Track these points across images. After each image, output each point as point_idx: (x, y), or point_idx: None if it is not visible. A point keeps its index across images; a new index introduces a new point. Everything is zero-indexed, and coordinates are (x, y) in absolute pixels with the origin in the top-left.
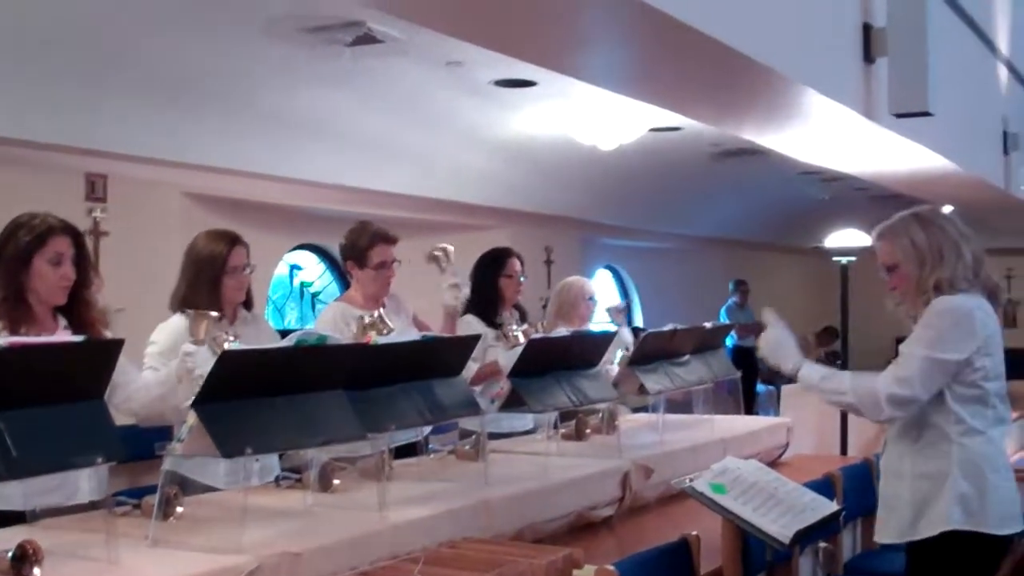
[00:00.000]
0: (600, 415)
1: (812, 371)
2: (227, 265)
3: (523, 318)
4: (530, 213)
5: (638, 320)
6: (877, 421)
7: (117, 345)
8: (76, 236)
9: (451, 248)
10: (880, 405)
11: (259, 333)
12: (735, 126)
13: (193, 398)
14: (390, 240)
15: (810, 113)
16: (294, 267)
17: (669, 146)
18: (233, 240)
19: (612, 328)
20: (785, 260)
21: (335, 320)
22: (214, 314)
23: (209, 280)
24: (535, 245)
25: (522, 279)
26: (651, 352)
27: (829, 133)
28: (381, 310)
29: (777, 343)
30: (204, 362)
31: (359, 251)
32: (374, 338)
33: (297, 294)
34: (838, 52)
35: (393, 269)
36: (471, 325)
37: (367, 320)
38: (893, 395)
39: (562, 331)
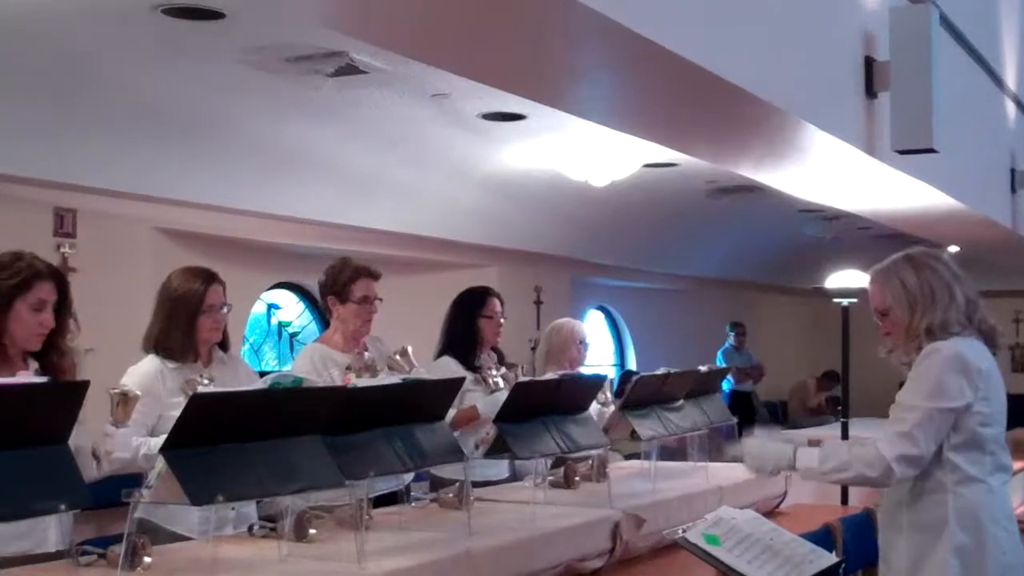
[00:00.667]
0: (590, 462)
1: (807, 460)
2: (203, 304)
3: (501, 361)
4: (519, 251)
5: (631, 363)
6: (886, 486)
7: (83, 387)
8: (61, 282)
9: (410, 348)
10: (890, 470)
11: (236, 375)
12: (732, 162)
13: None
14: (373, 275)
15: (810, 149)
16: (272, 306)
17: (664, 183)
18: (209, 277)
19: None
20: (784, 301)
21: (312, 362)
22: (137, 393)
23: (184, 319)
24: (524, 284)
25: (502, 320)
26: (644, 396)
27: (829, 170)
28: (409, 348)
29: (760, 450)
30: (123, 447)
31: (340, 285)
32: (353, 380)
33: (275, 334)
34: (839, 86)
35: (375, 306)
36: (448, 368)
37: (391, 354)
38: (901, 456)
39: (551, 375)
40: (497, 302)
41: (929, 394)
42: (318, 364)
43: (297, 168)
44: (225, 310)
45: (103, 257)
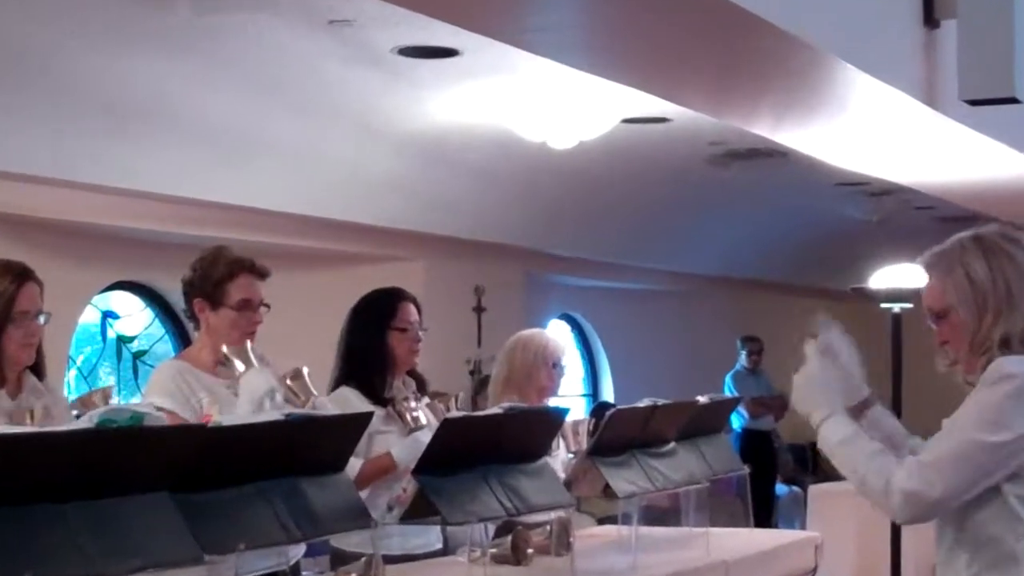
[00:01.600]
0: (548, 528)
1: (837, 427)
2: (12, 310)
3: (423, 389)
4: (452, 239)
5: (605, 392)
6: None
7: None
8: None
9: (306, 370)
10: (890, 500)
11: (54, 413)
12: (744, 117)
13: None
14: (258, 272)
15: (849, 98)
16: (108, 314)
17: (651, 145)
18: (20, 275)
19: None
20: (815, 308)
21: (177, 384)
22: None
23: None
24: (459, 284)
25: (421, 333)
26: (622, 437)
27: (876, 127)
28: (305, 370)
29: (814, 380)
30: None
31: (212, 284)
32: (215, 418)
33: (112, 352)
34: (889, 14)
35: (260, 314)
36: (348, 402)
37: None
38: (910, 494)
39: (496, 409)
40: (412, 309)
41: (979, 422)
42: (183, 387)
43: (143, 123)
44: (41, 319)
45: None
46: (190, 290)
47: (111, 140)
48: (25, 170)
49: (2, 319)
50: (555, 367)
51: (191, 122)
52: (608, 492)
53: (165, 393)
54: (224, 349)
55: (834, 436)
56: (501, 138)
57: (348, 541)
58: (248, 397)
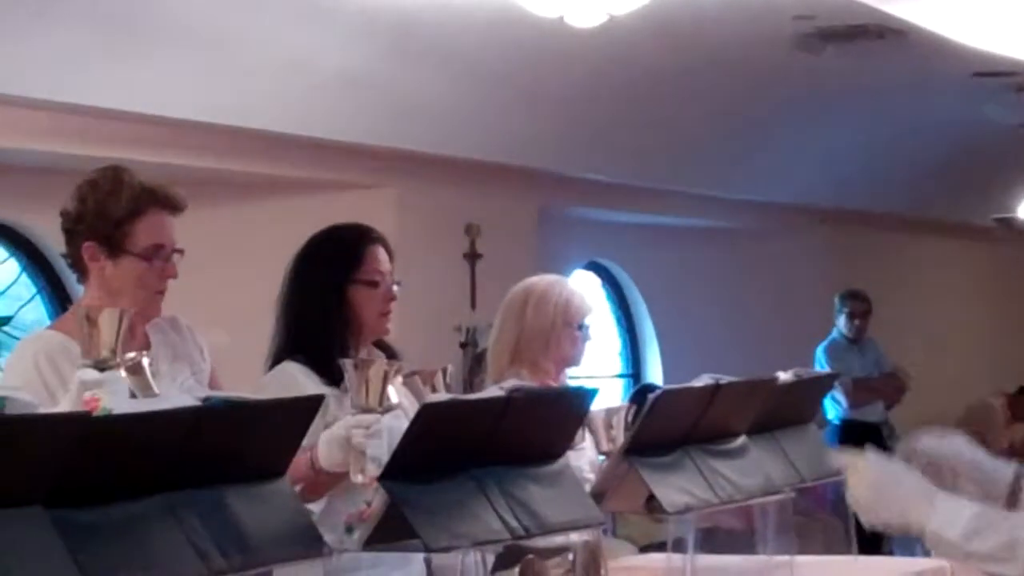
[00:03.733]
0: (570, 558)
1: (946, 521)
2: None
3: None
4: (435, 158)
5: (649, 368)
6: None
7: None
8: None
9: (145, 361)
10: None
11: None
12: None
13: None
14: (171, 204)
15: None
16: None
17: (710, 21)
18: None
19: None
20: (944, 250)
21: (39, 368)
22: None
23: None
24: (445, 222)
25: (395, 287)
26: (670, 431)
27: None
28: (146, 361)
29: (881, 481)
30: None
31: (113, 222)
32: (103, 404)
33: None
34: None
35: (174, 264)
36: (293, 381)
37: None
38: None
39: (496, 388)
40: (383, 254)
41: None
42: (49, 371)
43: None
44: None
45: None
46: (76, 229)
47: None
48: None
49: None
50: (580, 329)
51: None
52: (653, 507)
53: (22, 379)
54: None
55: (952, 532)
56: (501, 15)
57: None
58: None
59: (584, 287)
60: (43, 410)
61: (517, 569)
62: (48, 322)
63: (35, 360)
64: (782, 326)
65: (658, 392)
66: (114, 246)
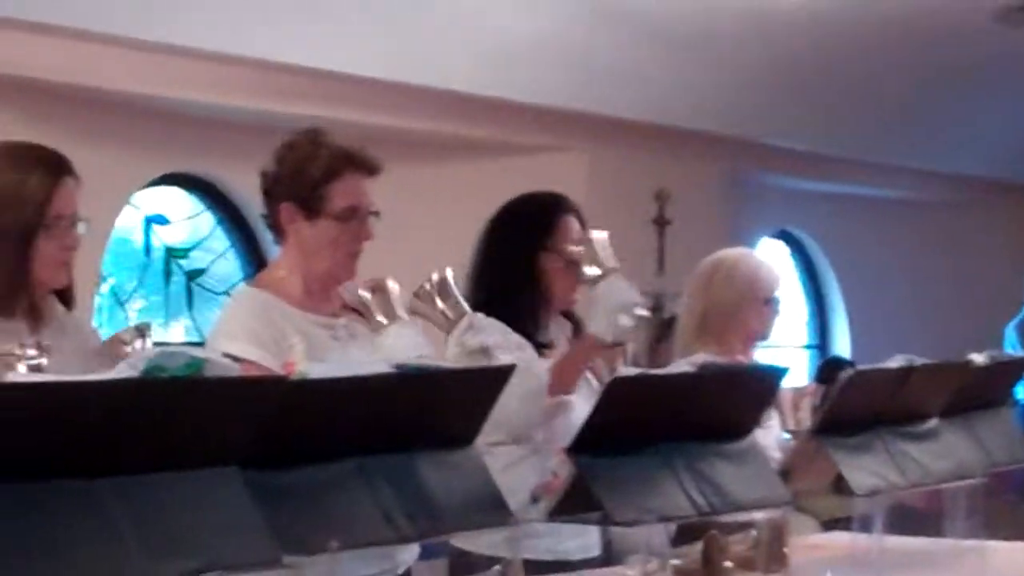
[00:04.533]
0: (753, 535)
1: None
2: (46, 214)
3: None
4: (627, 123)
5: (838, 343)
6: None
7: None
8: None
9: (450, 273)
10: None
11: (80, 352)
12: None
13: None
14: (367, 167)
15: None
16: (154, 220)
17: None
18: (56, 167)
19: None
20: None
21: (260, 327)
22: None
23: (9, 244)
24: (635, 187)
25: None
26: (861, 411)
27: None
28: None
29: None
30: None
31: (310, 184)
32: (299, 367)
33: (160, 269)
34: None
35: (370, 225)
36: (491, 328)
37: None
38: None
39: (685, 364)
40: (576, 224)
41: None
42: (271, 328)
43: None
44: (81, 228)
45: None
46: (275, 190)
47: None
48: (35, 16)
49: (32, 226)
50: (767, 303)
51: None
52: (841, 486)
53: (249, 334)
54: (360, 292)
55: None
56: None
57: (476, 542)
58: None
59: (773, 257)
60: (269, 362)
61: (700, 544)
62: (241, 275)
63: (256, 313)
64: (970, 301)
65: (850, 372)
66: (310, 208)
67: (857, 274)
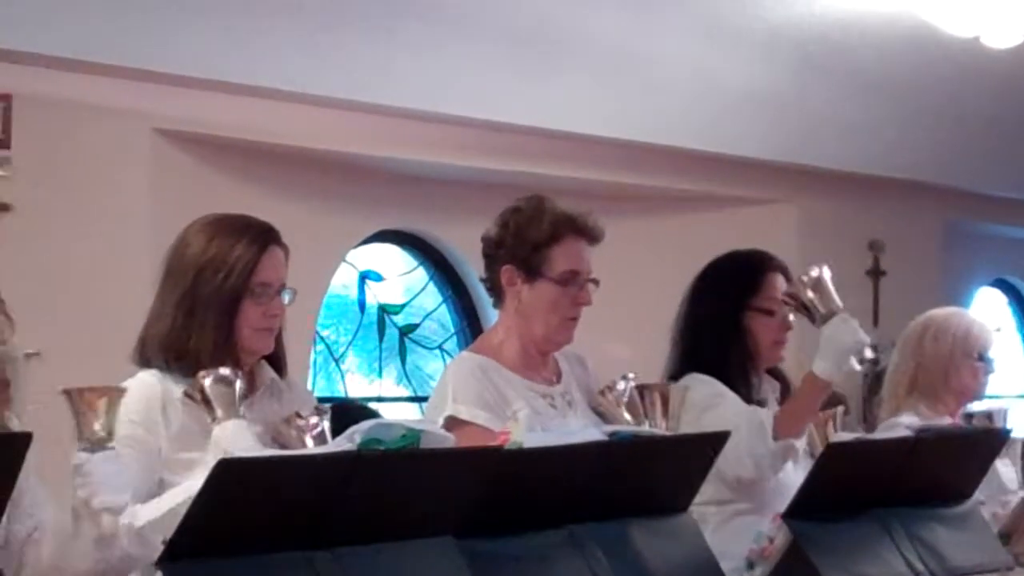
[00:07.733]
0: None
1: None
2: (251, 281)
3: (787, 395)
4: (839, 175)
5: None
6: None
7: (20, 443)
8: None
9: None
10: None
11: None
12: None
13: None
14: (589, 234)
15: None
16: (366, 275)
17: None
18: (263, 236)
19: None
20: None
21: (483, 391)
22: (122, 387)
23: (214, 309)
24: (849, 238)
25: (791, 317)
26: None
27: None
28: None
29: None
30: (113, 487)
31: (531, 247)
32: (514, 436)
33: (373, 326)
34: None
35: (588, 291)
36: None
37: None
38: None
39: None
40: (783, 282)
41: None
42: (494, 392)
43: (400, 17)
44: (286, 297)
45: (57, 182)
46: (496, 253)
47: (363, 43)
48: (256, 81)
49: (237, 292)
50: (981, 360)
51: (482, 19)
52: None
53: (475, 398)
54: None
55: None
56: (912, 32)
57: None
58: None
59: (988, 309)
60: (494, 424)
61: None
62: (453, 329)
63: (477, 377)
64: None
65: None
66: (531, 270)
67: None
